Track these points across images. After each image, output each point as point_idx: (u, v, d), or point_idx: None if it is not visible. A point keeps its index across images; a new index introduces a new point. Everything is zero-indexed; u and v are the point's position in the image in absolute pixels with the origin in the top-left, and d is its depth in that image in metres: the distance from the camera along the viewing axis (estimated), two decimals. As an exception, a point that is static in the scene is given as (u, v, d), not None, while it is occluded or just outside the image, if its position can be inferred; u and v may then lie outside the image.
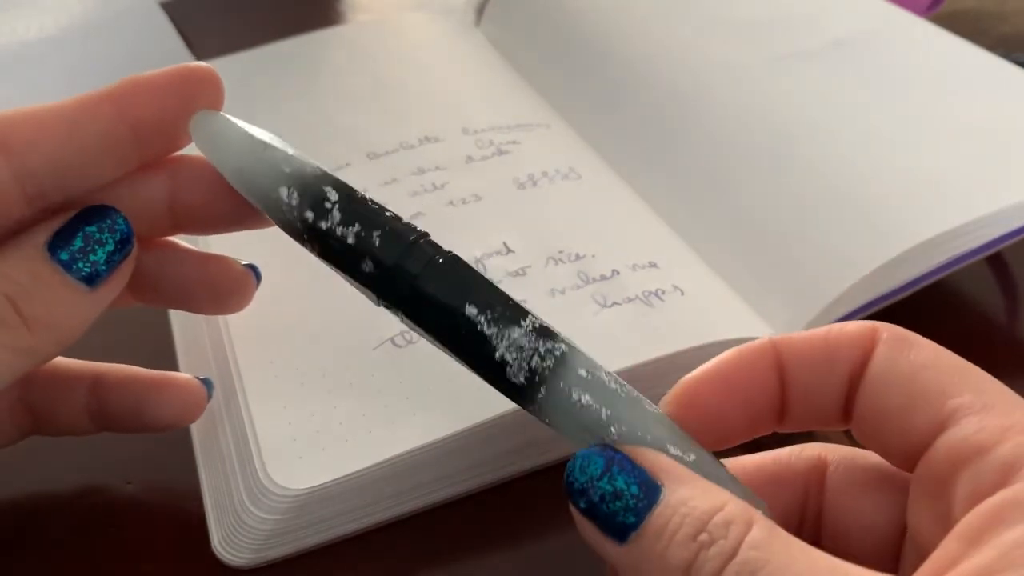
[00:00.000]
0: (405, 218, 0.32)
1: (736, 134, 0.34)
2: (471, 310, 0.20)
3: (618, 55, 0.40)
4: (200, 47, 0.51)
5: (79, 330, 0.22)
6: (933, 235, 0.28)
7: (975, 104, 0.34)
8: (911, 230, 0.28)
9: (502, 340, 0.20)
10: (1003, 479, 0.16)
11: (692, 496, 0.17)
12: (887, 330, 0.19)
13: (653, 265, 0.30)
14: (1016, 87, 0.35)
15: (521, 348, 0.20)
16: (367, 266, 0.21)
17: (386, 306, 0.22)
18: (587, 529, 0.18)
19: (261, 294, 0.29)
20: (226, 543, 0.24)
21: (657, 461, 0.18)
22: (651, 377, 0.26)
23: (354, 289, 0.27)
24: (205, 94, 0.23)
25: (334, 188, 0.21)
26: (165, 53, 0.51)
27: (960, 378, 0.18)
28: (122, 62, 0.50)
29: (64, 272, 0.21)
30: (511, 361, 0.20)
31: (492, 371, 0.20)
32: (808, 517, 0.21)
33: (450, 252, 0.21)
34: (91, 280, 0.22)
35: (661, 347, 0.26)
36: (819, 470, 0.21)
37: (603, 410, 0.19)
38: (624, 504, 0.17)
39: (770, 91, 0.35)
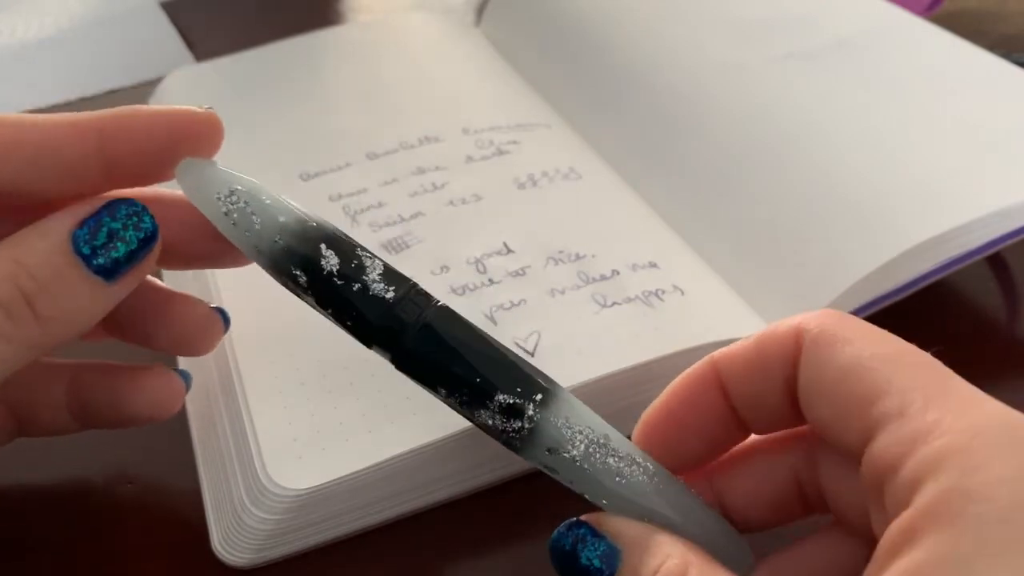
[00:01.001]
0: (405, 218, 0.32)
1: (736, 134, 0.34)
2: (442, 392, 0.21)
3: (618, 55, 0.40)
4: (200, 47, 0.51)
5: (89, 324, 0.22)
6: (933, 235, 0.28)
7: (975, 104, 0.34)
8: (911, 230, 0.28)
9: (475, 417, 0.21)
10: (907, 500, 0.15)
11: (640, 562, 0.19)
12: (811, 328, 0.18)
13: (653, 265, 0.30)
14: (1016, 87, 0.35)
15: (489, 426, 0.21)
16: (353, 323, 0.21)
17: (378, 350, 0.22)
18: None
19: (261, 295, 0.29)
20: (226, 543, 0.24)
21: (614, 527, 0.20)
22: (651, 377, 0.26)
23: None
24: (198, 141, 0.22)
25: (326, 244, 0.21)
26: (165, 53, 0.51)
27: (882, 376, 0.17)
28: (122, 62, 0.50)
29: (84, 266, 0.21)
30: (489, 427, 0.21)
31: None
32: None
33: (436, 306, 0.21)
34: (110, 275, 0.21)
35: (661, 347, 0.26)
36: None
37: (571, 481, 0.20)
38: (599, 571, 0.19)
39: (770, 91, 0.35)
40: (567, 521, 0.20)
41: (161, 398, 0.26)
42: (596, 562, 0.19)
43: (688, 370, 0.21)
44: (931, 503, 0.15)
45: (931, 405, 0.16)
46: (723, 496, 0.21)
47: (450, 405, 0.21)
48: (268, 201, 0.21)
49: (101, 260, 0.21)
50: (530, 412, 0.20)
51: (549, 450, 0.20)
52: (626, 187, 0.35)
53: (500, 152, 0.36)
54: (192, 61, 0.50)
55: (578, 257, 0.30)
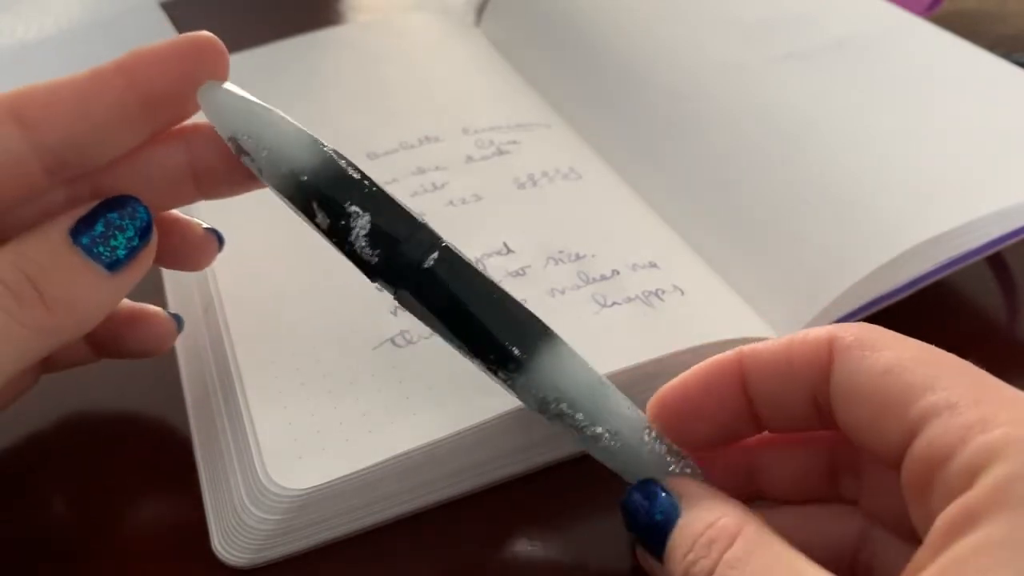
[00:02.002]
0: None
1: (736, 134, 0.34)
2: (442, 333, 0.23)
3: (618, 55, 0.40)
4: (200, 47, 0.51)
5: (99, 313, 0.23)
6: (933, 235, 0.28)
7: (975, 104, 0.34)
8: (911, 230, 0.28)
9: (473, 360, 0.22)
10: (965, 485, 0.16)
11: (696, 517, 0.19)
12: (845, 337, 0.19)
13: (653, 265, 0.30)
14: (1016, 87, 0.35)
15: (488, 370, 0.22)
16: (373, 244, 0.22)
17: (381, 284, 0.23)
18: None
19: (261, 294, 0.29)
20: (226, 543, 0.24)
21: (679, 487, 0.21)
22: (650, 377, 0.26)
23: (353, 289, 0.27)
24: (210, 63, 0.23)
25: (348, 166, 0.23)
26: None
27: (924, 376, 0.17)
28: (122, 62, 0.50)
29: (84, 255, 0.22)
30: (488, 371, 0.22)
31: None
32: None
33: (440, 247, 0.23)
34: (112, 265, 0.22)
35: (661, 347, 0.26)
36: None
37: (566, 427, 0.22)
38: (655, 530, 0.20)
39: (770, 91, 0.35)
40: (640, 481, 0.21)
41: (155, 338, 0.28)
42: (658, 516, 0.20)
43: (714, 357, 0.21)
44: (995, 487, 0.15)
45: (981, 399, 0.17)
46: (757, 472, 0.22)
47: (451, 344, 0.23)
48: (264, 154, 0.22)
49: (101, 249, 0.22)
50: (524, 358, 0.21)
51: (542, 396, 0.22)
52: (626, 187, 0.35)
53: (500, 152, 0.36)
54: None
55: (578, 257, 0.30)
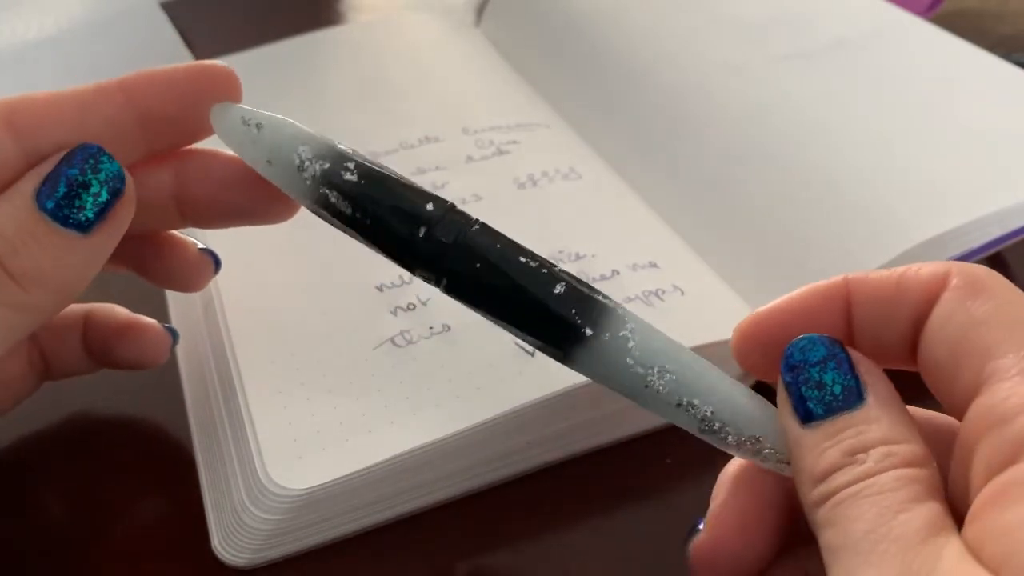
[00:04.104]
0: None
1: (736, 134, 0.34)
2: (488, 314, 0.20)
3: (618, 55, 0.40)
4: (200, 47, 0.51)
5: (80, 280, 0.22)
6: (933, 235, 0.28)
7: (975, 104, 0.34)
8: (911, 230, 0.28)
9: (526, 338, 0.20)
10: (1015, 454, 0.15)
11: (878, 421, 0.18)
12: (959, 275, 0.18)
13: (653, 265, 0.30)
14: (1016, 87, 0.35)
15: (543, 348, 0.20)
16: (409, 227, 0.21)
17: (422, 273, 0.21)
18: (781, 396, 0.19)
19: (262, 294, 0.29)
20: (226, 543, 0.24)
21: (872, 373, 0.19)
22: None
23: (354, 289, 0.27)
24: (221, 90, 0.23)
25: (358, 159, 0.21)
26: (165, 53, 0.51)
27: (1013, 336, 0.17)
28: (122, 62, 0.50)
29: (51, 221, 0.20)
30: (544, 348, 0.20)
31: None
32: None
33: (476, 225, 0.22)
34: (82, 227, 0.21)
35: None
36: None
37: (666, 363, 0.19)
38: (821, 397, 0.18)
39: (770, 91, 0.35)
40: (825, 335, 0.19)
41: (147, 351, 0.27)
42: (838, 388, 0.18)
43: (819, 282, 0.20)
44: None
45: None
46: None
47: (500, 326, 0.21)
48: (289, 132, 0.21)
49: (67, 211, 0.21)
50: (586, 331, 0.20)
51: (603, 368, 0.20)
52: (626, 187, 0.35)
53: (500, 152, 0.36)
54: (192, 61, 0.50)
55: (578, 257, 0.30)
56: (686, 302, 0.28)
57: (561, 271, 0.21)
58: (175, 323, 0.32)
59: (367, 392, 0.26)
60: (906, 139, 0.32)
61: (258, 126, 0.22)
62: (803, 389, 0.18)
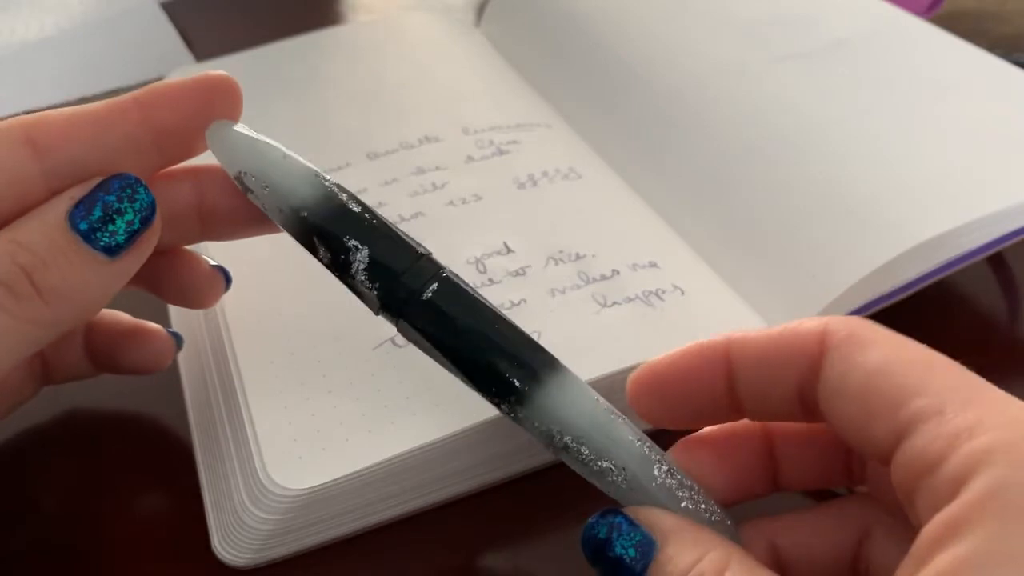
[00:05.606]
0: (406, 218, 0.32)
1: (736, 134, 0.34)
2: (443, 364, 0.22)
3: (618, 55, 0.40)
4: (200, 47, 0.51)
5: (100, 301, 0.22)
6: (933, 235, 0.28)
7: (975, 105, 0.34)
8: (911, 230, 0.28)
9: (475, 390, 0.22)
10: (951, 495, 0.15)
11: (677, 552, 0.19)
12: (838, 331, 0.18)
13: (653, 265, 0.30)
14: (1016, 87, 0.35)
15: (492, 401, 0.22)
16: (372, 278, 0.22)
17: (385, 316, 0.23)
18: None
19: (261, 294, 0.29)
20: (226, 543, 0.24)
21: (651, 518, 0.20)
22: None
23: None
24: (223, 103, 0.23)
25: (350, 199, 0.23)
26: (165, 53, 0.51)
27: (915, 378, 0.17)
28: (122, 62, 0.50)
29: (83, 242, 0.21)
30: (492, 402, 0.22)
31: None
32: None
33: (440, 277, 0.22)
34: (111, 251, 0.21)
35: (661, 347, 0.26)
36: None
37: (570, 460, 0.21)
38: (626, 567, 0.19)
39: (770, 91, 0.35)
40: (602, 510, 0.20)
41: (152, 356, 0.27)
42: (631, 551, 0.19)
43: (703, 340, 0.21)
44: (981, 496, 0.15)
45: (970, 404, 0.16)
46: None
47: (455, 376, 0.22)
48: (267, 191, 0.23)
49: (100, 235, 0.21)
50: (526, 391, 0.21)
51: (546, 429, 0.21)
52: (626, 187, 0.35)
53: (500, 152, 0.36)
54: (192, 61, 0.50)
55: (578, 257, 0.30)
56: (686, 302, 0.28)
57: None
58: (175, 323, 0.32)
59: (367, 392, 0.26)
60: (906, 139, 0.32)
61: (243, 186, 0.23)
62: (612, 571, 0.19)
